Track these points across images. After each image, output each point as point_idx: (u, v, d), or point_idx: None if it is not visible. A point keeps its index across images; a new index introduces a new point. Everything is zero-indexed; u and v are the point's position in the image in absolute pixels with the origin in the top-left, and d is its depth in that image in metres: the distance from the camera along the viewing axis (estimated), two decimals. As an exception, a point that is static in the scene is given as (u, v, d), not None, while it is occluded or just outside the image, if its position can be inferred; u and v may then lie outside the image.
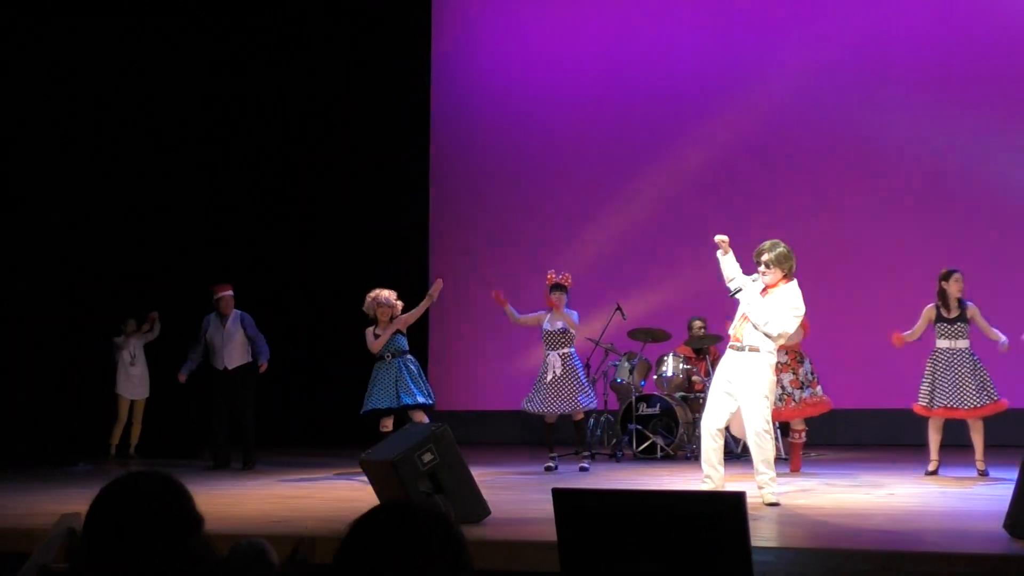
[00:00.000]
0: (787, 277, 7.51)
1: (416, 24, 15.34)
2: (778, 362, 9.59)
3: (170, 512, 2.43)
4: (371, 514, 2.21)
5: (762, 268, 7.50)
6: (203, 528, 2.51)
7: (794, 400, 9.85)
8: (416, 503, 2.30)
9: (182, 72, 13.67)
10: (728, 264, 7.70)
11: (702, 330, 12.21)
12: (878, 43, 13.54)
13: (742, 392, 7.40)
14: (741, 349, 7.46)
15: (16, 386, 12.01)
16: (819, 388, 10.06)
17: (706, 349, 12.20)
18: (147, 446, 12.91)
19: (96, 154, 12.89)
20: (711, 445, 7.52)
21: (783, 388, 9.78)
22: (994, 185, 13.05)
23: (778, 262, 7.46)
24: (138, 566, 2.36)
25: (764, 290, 7.50)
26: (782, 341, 7.55)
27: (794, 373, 9.94)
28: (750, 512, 6.73)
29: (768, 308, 7.39)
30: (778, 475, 7.64)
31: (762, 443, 7.36)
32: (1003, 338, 9.40)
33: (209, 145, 13.98)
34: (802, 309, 7.48)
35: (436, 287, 10.46)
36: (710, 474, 7.51)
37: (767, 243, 7.56)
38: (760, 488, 7.35)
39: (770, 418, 7.44)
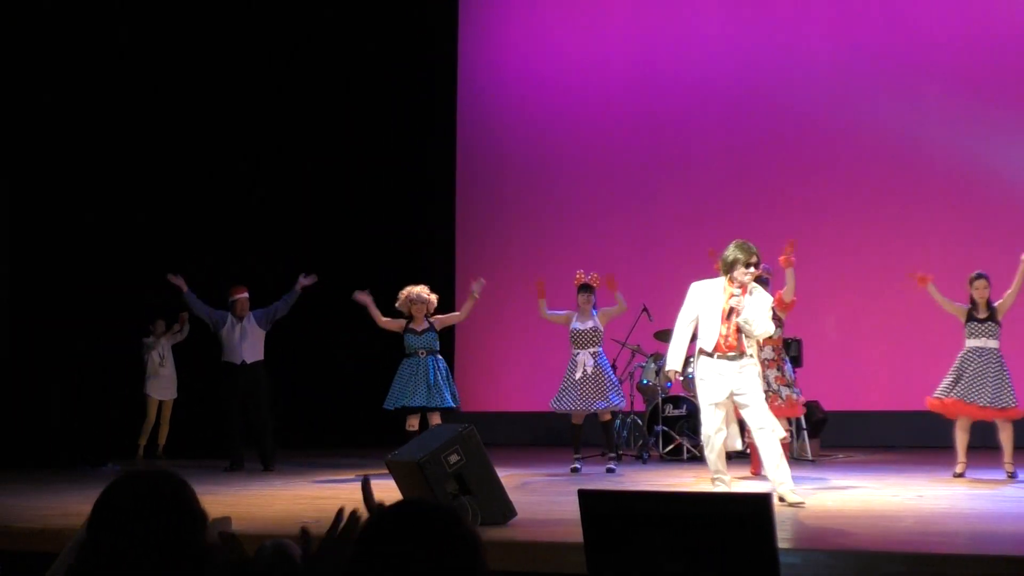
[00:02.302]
0: None
1: (442, 23, 15.36)
2: (764, 359, 9.56)
3: (172, 509, 2.42)
4: (382, 515, 2.21)
5: (752, 270, 7.52)
6: (207, 525, 2.49)
7: (780, 398, 9.73)
8: (428, 502, 2.29)
9: (209, 74, 13.72)
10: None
11: None
12: (906, 42, 13.46)
13: (753, 397, 7.48)
14: (738, 357, 7.52)
15: (45, 387, 12.08)
16: (798, 388, 10.02)
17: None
18: (175, 447, 12.97)
19: (127, 155, 12.95)
20: (720, 454, 7.66)
21: (768, 384, 9.67)
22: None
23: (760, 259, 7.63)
24: (141, 563, 2.35)
25: (743, 292, 7.53)
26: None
27: (779, 370, 9.86)
28: (791, 514, 6.75)
29: (761, 316, 7.47)
30: (740, 478, 7.72)
31: (774, 443, 7.40)
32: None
33: (235, 147, 14.02)
34: (771, 299, 7.74)
35: (478, 286, 10.55)
36: (721, 478, 7.68)
37: (740, 246, 7.57)
38: (779, 485, 7.34)
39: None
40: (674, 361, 7.89)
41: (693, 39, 14.38)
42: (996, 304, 9.38)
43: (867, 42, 13.59)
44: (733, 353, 7.52)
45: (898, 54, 13.47)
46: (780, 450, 7.46)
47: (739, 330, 7.50)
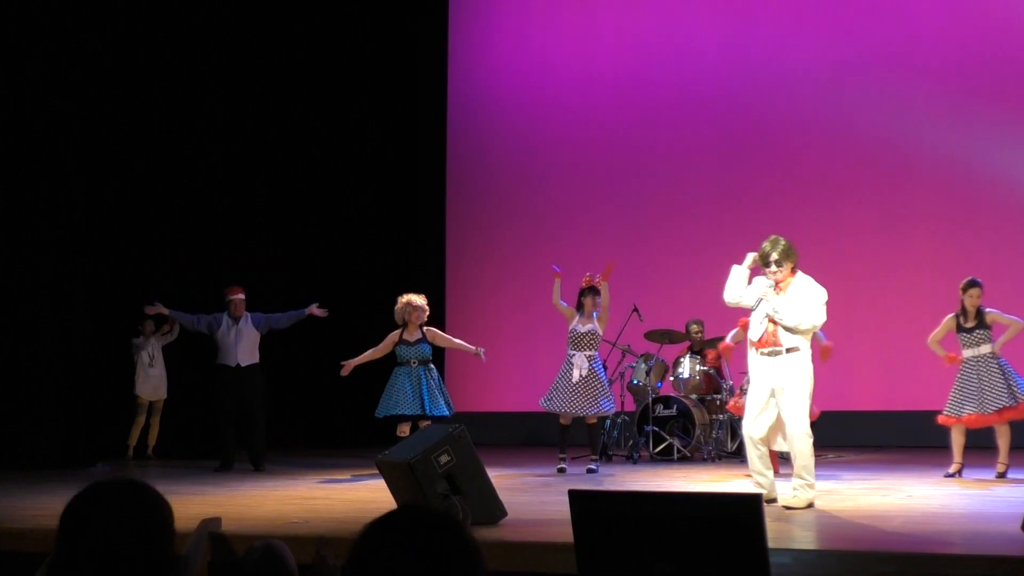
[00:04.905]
0: (794, 270, 7.52)
1: (432, 28, 15.35)
2: None
3: (136, 519, 2.38)
4: (384, 519, 2.19)
5: (772, 268, 7.46)
6: (174, 534, 2.45)
7: None
8: (430, 508, 2.27)
9: (201, 77, 13.70)
10: (741, 277, 7.64)
11: (699, 334, 12.23)
12: (895, 45, 13.48)
13: (789, 395, 7.34)
14: (778, 353, 7.39)
15: (35, 387, 12.04)
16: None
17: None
18: (165, 447, 12.94)
19: (120, 155, 12.92)
20: (755, 453, 7.51)
21: None
22: (1013, 186, 12.98)
23: (786, 256, 7.45)
24: (110, 574, 2.31)
25: (776, 288, 7.47)
26: (816, 328, 7.56)
27: None
28: (782, 514, 6.75)
29: (795, 307, 7.37)
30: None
31: (804, 446, 7.33)
32: (1018, 323, 9.42)
33: (228, 147, 13.99)
34: (825, 291, 7.49)
35: (477, 353, 10.69)
36: (760, 481, 7.50)
37: (768, 242, 7.51)
38: (794, 489, 7.30)
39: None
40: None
41: (681, 41, 14.38)
42: (987, 312, 9.39)
43: (856, 44, 13.60)
44: (771, 348, 7.41)
45: (887, 57, 13.48)
46: (808, 454, 7.36)
47: (775, 324, 7.39)
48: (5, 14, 11.90)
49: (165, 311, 11.46)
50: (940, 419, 9.50)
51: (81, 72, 12.52)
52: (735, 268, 7.68)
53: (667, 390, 12.09)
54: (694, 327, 12.30)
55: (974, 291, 9.41)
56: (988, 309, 9.44)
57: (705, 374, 11.99)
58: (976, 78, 13.14)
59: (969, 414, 9.28)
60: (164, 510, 2.44)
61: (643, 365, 11.99)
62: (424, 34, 15.39)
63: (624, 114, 14.51)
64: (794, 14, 13.98)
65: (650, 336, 12.18)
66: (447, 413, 10.41)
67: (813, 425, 10.67)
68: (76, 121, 12.52)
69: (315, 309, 11.43)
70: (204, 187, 13.72)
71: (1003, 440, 9.30)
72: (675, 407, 11.69)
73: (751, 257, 7.63)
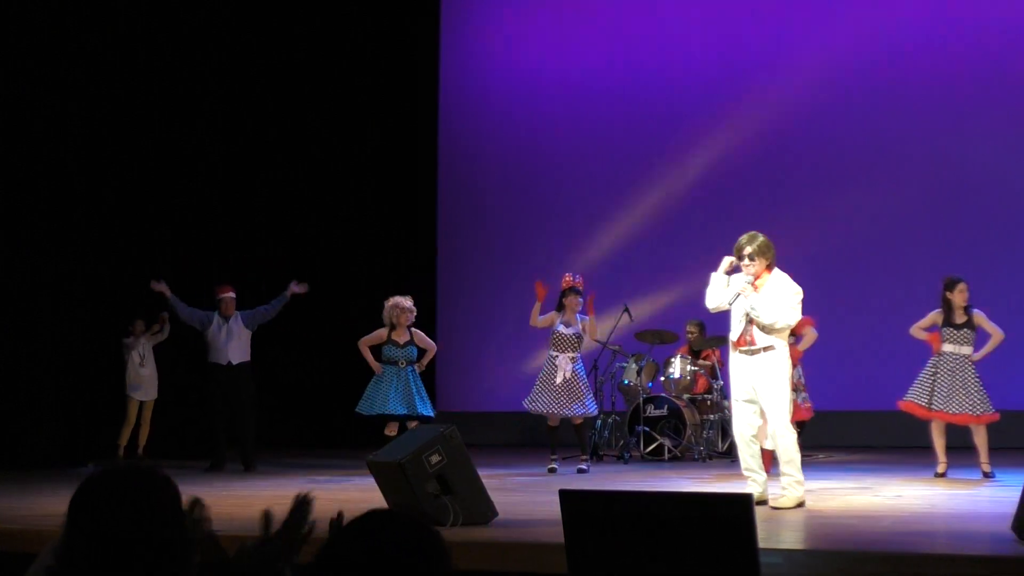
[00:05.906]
0: (770, 267, 7.51)
1: (425, 28, 15.37)
2: None
3: (148, 506, 2.40)
4: (352, 523, 2.26)
5: (746, 261, 7.45)
6: (185, 521, 2.48)
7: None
8: (400, 512, 2.34)
9: (198, 75, 13.71)
10: (720, 283, 7.62)
11: (692, 334, 12.26)
12: (888, 47, 13.52)
13: (766, 393, 7.36)
14: (755, 352, 7.42)
15: (25, 387, 12.04)
16: (806, 394, 10.13)
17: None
18: (156, 447, 12.92)
19: (111, 153, 12.93)
20: (748, 451, 7.53)
21: None
22: (1004, 188, 13.04)
23: (761, 252, 7.43)
24: (120, 561, 2.34)
25: (752, 284, 7.48)
26: (790, 327, 7.57)
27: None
28: (772, 514, 6.79)
29: (771, 305, 7.37)
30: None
31: (787, 442, 7.36)
32: (1000, 334, 9.49)
33: (218, 148, 13.99)
34: (800, 290, 7.47)
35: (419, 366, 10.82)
36: (755, 479, 7.52)
37: (745, 236, 7.53)
38: (783, 489, 7.34)
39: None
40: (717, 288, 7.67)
41: (673, 45, 14.40)
42: (975, 313, 9.45)
43: (851, 45, 13.63)
44: (747, 347, 7.43)
45: (879, 59, 13.52)
46: (793, 449, 7.37)
47: (752, 322, 7.39)
48: (5, 14, 11.91)
49: (168, 293, 11.47)
50: (911, 407, 9.51)
51: (81, 72, 12.53)
52: (714, 276, 7.65)
53: (658, 390, 12.12)
54: (693, 327, 12.31)
55: (963, 285, 9.46)
56: (976, 310, 9.50)
57: (696, 374, 12.04)
58: (970, 79, 13.18)
59: (938, 410, 9.34)
60: (174, 497, 2.46)
61: (634, 365, 12.02)
62: (424, 34, 15.40)
63: (617, 114, 14.51)
64: (788, 16, 14.01)
65: (641, 336, 12.21)
66: (432, 414, 10.54)
67: (808, 423, 10.80)
68: (76, 121, 12.53)
69: (294, 288, 11.45)
70: (204, 187, 13.71)
71: (980, 438, 9.34)
72: (666, 407, 11.73)
73: (727, 261, 7.59)
